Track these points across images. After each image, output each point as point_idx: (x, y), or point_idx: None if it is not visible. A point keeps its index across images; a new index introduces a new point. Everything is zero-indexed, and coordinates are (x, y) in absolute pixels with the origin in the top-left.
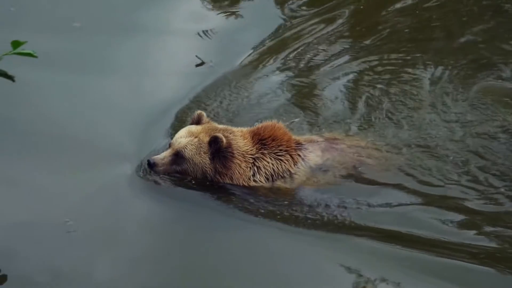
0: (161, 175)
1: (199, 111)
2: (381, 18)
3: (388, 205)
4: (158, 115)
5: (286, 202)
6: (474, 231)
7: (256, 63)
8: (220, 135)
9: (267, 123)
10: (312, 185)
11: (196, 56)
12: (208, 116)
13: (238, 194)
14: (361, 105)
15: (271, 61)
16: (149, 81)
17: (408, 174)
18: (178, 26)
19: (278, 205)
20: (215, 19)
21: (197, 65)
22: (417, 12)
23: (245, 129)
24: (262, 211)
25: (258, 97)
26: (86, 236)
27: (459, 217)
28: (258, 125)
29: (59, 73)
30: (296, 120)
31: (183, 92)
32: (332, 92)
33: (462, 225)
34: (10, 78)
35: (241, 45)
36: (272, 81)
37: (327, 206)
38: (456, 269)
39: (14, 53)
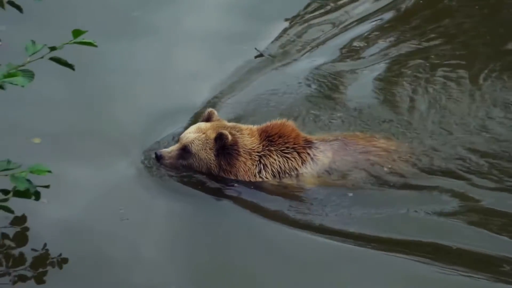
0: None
1: (210, 109)
2: (432, 10)
3: (403, 212)
4: (185, 110)
5: (292, 201)
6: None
7: (287, 53)
8: (225, 132)
9: (277, 121)
10: (320, 185)
11: (255, 48)
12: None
13: (246, 191)
14: (399, 103)
15: (304, 52)
16: (173, 80)
17: (439, 180)
18: (199, 25)
19: (284, 203)
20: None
21: (256, 57)
22: (460, 9)
23: (254, 127)
24: (270, 209)
25: (285, 90)
26: (135, 223)
27: (491, 226)
28: (267, 122)
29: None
30: (339, 115)
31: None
32: (368, 88)
33: (492, 233)
34: (70, 66)
35: (271, 31)
36: (301, 72)
37: (330, 209)
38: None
39: (75, 42)
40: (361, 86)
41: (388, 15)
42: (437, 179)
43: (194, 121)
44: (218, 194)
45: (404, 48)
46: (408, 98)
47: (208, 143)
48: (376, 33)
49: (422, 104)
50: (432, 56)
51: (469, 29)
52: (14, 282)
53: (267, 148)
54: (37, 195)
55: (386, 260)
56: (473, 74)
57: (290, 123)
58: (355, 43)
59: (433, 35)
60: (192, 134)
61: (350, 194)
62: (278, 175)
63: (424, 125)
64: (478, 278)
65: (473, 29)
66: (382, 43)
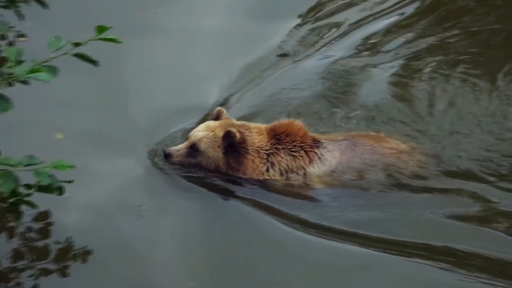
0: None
1: (219, 108)
2: (451, 7)
3: (415, 215)
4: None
5: (301, 200)
6: None
7: (303, 49)
8: (233, 130)
9: (285, 120)
10: (327, 185)
11: (278, 47)
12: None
13: (254, 190)
14: (417, 102)
15: (319, 48)
16: (188, 78)
17: (455, 182)
18: (211, 24)
19: (292, 202)
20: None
21: (279, 55)
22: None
23: (262, 125)
24: (278, 208)
25: (301, 87)
26: (151, 220)
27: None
28: (275, 121)
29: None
30: (357, 112)
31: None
32: (385, 85)
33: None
34: (94, 62)
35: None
36: (316, 69)
37: (339, 210)
38: None
39: (99, 39)
40: (378, 83)
41: (406, 11)
42: (453, 181)
43: (205, 119)
44: (225, 192)
45: (422, 45)
46: (426, 96)
47: (216, 141)
48: (394, 29)
49: (440, 104)
50: (451, 54)
51: (487, 27)
52: (38, 276)
53: (274, 147)
54: (60, 190)
55: (397, 264)
56: (493, 73)
57: (298, 122)
58: (373, 40)
59: (452, 33)
60: (201, 132)
61: (362, 195)
62: (285, 174)
63: (441, 124)
64: (498, 285)
65: (492, 27)
66: (400, 40)
